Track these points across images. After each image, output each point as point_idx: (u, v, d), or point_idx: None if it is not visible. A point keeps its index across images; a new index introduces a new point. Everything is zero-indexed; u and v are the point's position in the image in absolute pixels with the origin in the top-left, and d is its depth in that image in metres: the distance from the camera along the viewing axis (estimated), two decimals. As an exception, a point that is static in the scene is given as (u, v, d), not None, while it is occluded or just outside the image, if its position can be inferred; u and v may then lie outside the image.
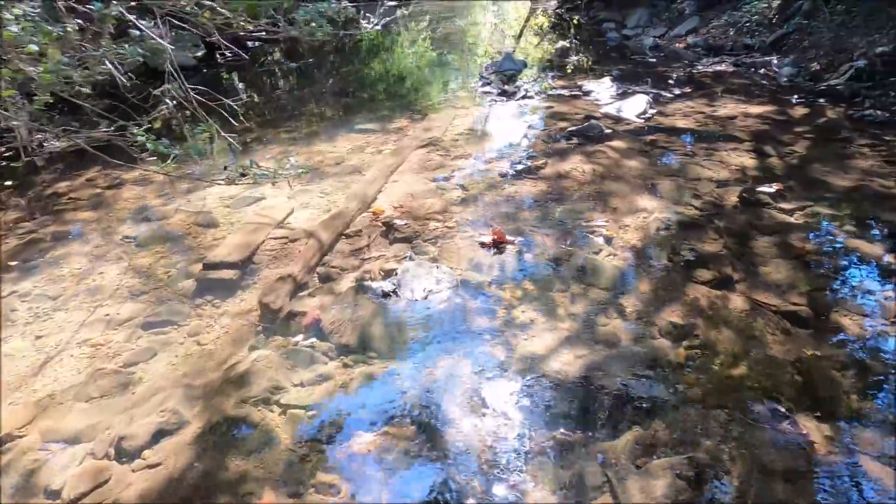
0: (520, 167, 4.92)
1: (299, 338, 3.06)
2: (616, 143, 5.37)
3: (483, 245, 3.73)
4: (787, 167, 4.72)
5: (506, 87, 7.31)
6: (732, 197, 4.24)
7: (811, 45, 7.36)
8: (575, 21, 13.08)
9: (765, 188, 4.30)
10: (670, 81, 7.43)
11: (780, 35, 7.84)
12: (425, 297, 3.21)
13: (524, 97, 6.93)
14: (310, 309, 3.21)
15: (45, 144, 6.20)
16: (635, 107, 6.14)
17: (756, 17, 8.05)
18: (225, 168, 3.47)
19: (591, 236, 3.82)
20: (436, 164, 5.15)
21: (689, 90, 6.95)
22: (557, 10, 14.51)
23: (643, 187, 4.47)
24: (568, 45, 10.69)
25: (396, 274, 3.41)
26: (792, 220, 3.90)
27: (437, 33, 13.13)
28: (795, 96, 6.41)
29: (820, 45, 7.23)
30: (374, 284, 3.33)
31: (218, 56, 10.79)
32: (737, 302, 3.12)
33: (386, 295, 3.23)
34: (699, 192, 4.34)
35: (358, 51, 11.81)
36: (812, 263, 3.40)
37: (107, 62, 3.15)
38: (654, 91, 6.92)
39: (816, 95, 6.34)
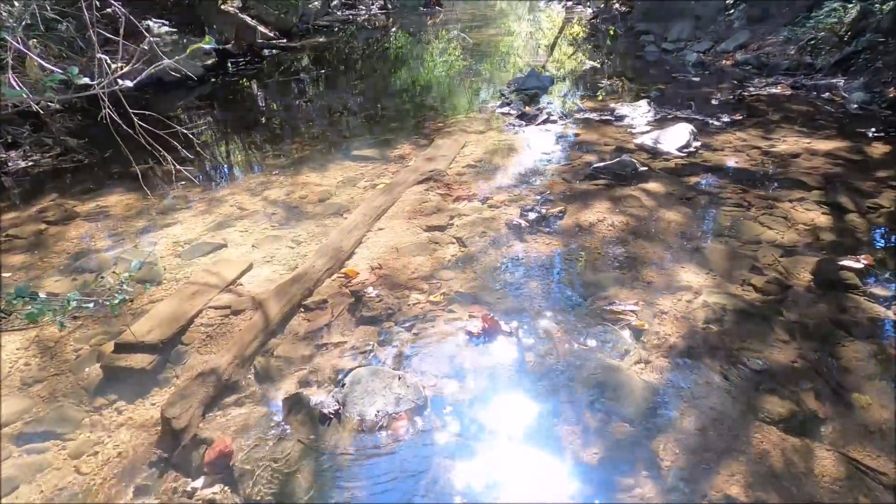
0: (532, 215, 3.94)
1: (199, 482, 2.16)
2: (652, 186, 4.34)
3: (470, 334, 2.77)
4: (872, 229, 3.63)
5: (527, 108, 6.32)
6: (805, 273, 3.18)
7: (886, 66, 6.16)
8: (611, 32, 12.00)
9: (849, 262, 3.23)
10: (717, 106, 6.33)
11: (847, 53, 6.65)
12: (377, 426, 2.27)
13: (546, 121, 5.93)
14: (221, 436, 2.31)
15: (10, 164, 5.48)
16: (676, 138, 5.08)
17: (823, 32, 6.85)
18: None
19: (614, 327, 2.83)
20: (432, 206, 4.21)
21: (740, 117, 5.84)
22: (593, 20, 13.42)
23: (685, 252, 3.45)
24: (601, 60, 9.62)
25: (345, 384, 2.48)
26: (890, 314, 2.83)
27: (466, 42, 12.19)
28: (872, 129, 5.25)
29: (897, 66, 6.03)
30: (315, 399, 2.41)
31: (230, 65, 10.06)
32: (826, 461, 2.09)
33: (325, 419, 2.31)
34: (760, 263, 3.29)
35: (382, 60, 10.97)
36: (930, 393, 2.34)
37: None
38: (698, 117, 5.84)
39: (897, 128, 5.18)
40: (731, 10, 8.98)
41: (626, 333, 2.78)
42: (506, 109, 6.43)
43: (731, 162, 4.72)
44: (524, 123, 5.92)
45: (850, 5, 6.63)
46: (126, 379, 2.72)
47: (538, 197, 4.25)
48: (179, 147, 3.38)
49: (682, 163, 4.76)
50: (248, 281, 3.44)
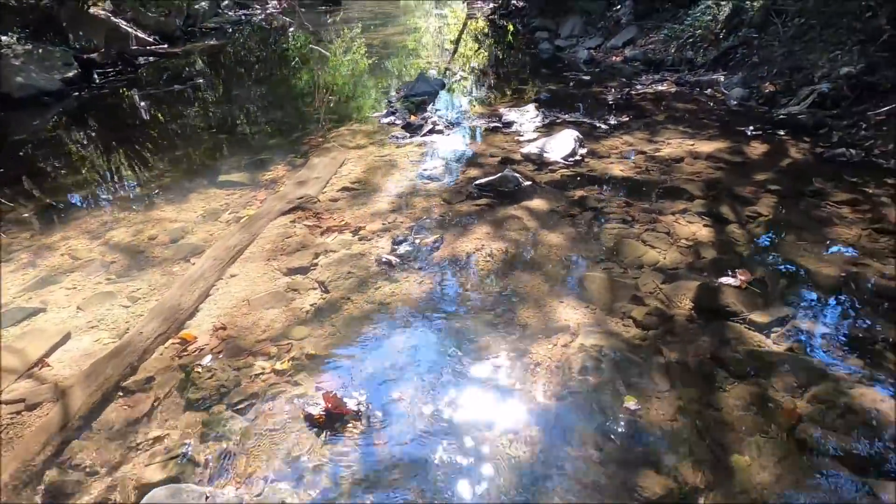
0: (406, 248, 3.52)
1: None
2: (535, 204, 4.03)
3: (310, 419, 2.31)
4: (751, 240, 3.47)
5: (412, 118, 5.88)
6: (686, 300, 2.93)
7: (762, 61, 6.19)
8: (510, 28, 11.77)
9: (728, 279, 3.03)
10: (606, 106, 6.15)
11: (724, 49, 6.65)
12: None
13: (432, 132, 5.53)
14: None
15: None
16: (562, 146, 4.81)
17: (700, 30, 6.83)
18: None
19: (481, 389, 2.45)
20: (297, 242, 3.70)
21: (628, 118, 5.68)
22: (492, 17, 13.17)
23: (565, 283, 3.14)
24: (494, 59, 9.34)
25: (144, 510, 1.96)
26: (770, 344, 2.62)
27: (365, 42, 11.62)
28: (750, 127, 5.20)
29: (772, 60, 6.06)
30: (101, 537, 1.88)
31: (97, 76, 9.01)
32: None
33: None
34: (641, 291, 3.03)
35: (277, 64, 10.19)
36: (815, 449, 2.10)
37: None
38: (586, 120, 5.62)
39: (775, 125, 5.15)
40: (618, 6, 8.92)
41: (494, 396, 2.41)
42: (391, 119, 5.97)
43: (617, 171, 4.50)
44: (408, 135, 5.49)
45: (724, 3, 6.63)
46: None
47: (413, 224, 3.83)
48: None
49: (568, 174, 4.48)
50: (60, 357, 2.82)
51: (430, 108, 6.39)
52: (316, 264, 3.46)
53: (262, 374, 2.60)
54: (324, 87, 7.73)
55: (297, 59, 7.11)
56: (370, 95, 7.46)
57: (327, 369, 2.60)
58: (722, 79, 6.38)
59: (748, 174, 4.30)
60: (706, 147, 4.84)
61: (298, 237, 3.77)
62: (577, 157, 4.73)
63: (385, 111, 6.29)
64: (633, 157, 4.71)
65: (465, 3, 17.21)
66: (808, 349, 2.57)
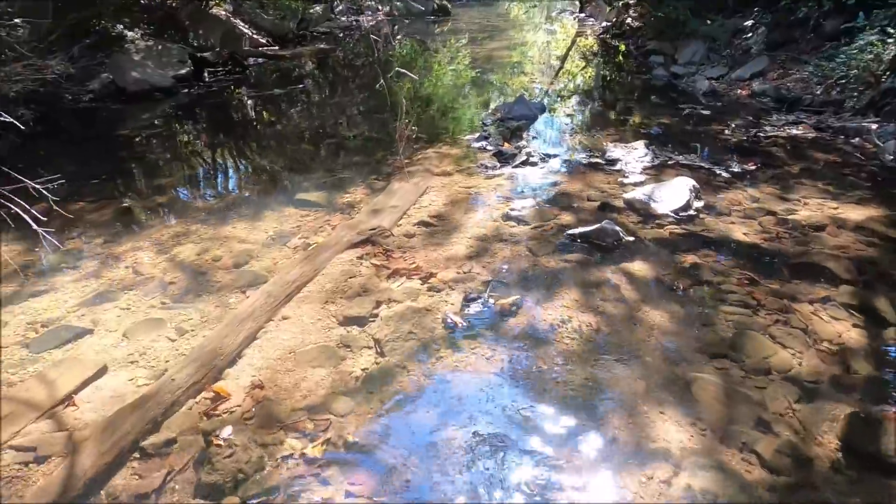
0: (478, 308, 3.03)
1: None
2: (637, 267, 3.39)
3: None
4: (922, 355, 2.65)
5: (505, 145, 5.37)
6: (831, 435, 2.22)
7: (929, 110, 5.11)
8: (622, 48, 10.98)
9: (890, 408, 2.27)
10: (727, 149, 5.34)
11: (883, 90, 5.60)
12: None
13: (525, 163, 4.98)
14: None
15: None
16: (674, 196, 4.11)
17: (856, 70, 5.79)
18: None
19: (551, 529, 1.89)
20: (359, 285, 3.30)
21: (754, 166, 4.85)
22: (603, 35, 12.40)
23: (668, 385, 2.50)
24: (601, 82, 8.63)
25: None
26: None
27: (472, 54, 11.27)
28: (913, 192, 4.24)
29: (943, 111, 4.98)
30: None
31: (207, 75, 9.22)
32: None
33: None
34: (768, 410, 2.34)
35: (375, 72, 10.05)
36: None
37: None
38: (704, 165, 4.86)
39: (946, 194, 4.16)
40: (749, 34, 7.93)
41: (565, 545, 1.84)
42: (482, 144, 5.49)
43: (739, 233, 3.75)
44: (499, 165, 4.98)
45: (891, 40, 5.57)
46: None
47: (491, 278, 3.32)
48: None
49: (678, 232, 3.79)
50: (89, 396, 2.56)
51: (525, 134, 5.85)
52: (376, 315, 3.03)
53: (290, 457, 2.19)
54: (417, 103, 7.39)
55: (396, 69, 6.81)
56: (465, 114, 7.03)
57: (365, 466, 2.14)
58: (874, 126, 5.35)
59: (913, 257, 3.43)
60: (855, 213, 3.96)
61: (362, 278, 3.37)
62: (692, 212, 4.02)
63: (478, 134, 5.82)
64: (759, 218, 3.93)
65: (576, 20, 16.48)
66: None
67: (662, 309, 3.00)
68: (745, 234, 3.75)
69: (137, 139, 6.35)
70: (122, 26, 8.86)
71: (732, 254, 3.53)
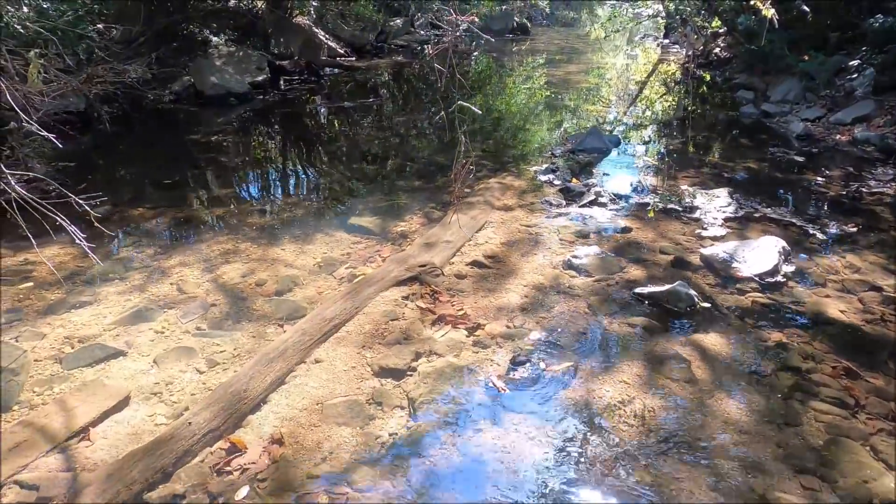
0: (525, 373, 2.71)
1: None
2: (711, 341, 2.98)
3: None
4: None
5: (573, 181, 5.02)
6: None
7: None
8: (707, 79, 10.36)
9: None
10: (824, 204, 4.78)
11: None
12: None
13: (594, 203, 4.62)
14: None
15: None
16: (760, 257, 3.65)
17: None
18: None
19: None
20: (400, 330, 3.06)
21: (854, 229, 4.28)
22: (687, 65, 11.77)
23: (742, 499, 2.10)
24: (682, 115, 8.09)
25: None
26: None
27: (548, 75, 10.98)
28: None
29: None
30: None
31: (282, 82, 9.35)
32: None
33: None
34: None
35: (446, 90, 9.93)
36: None
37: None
38: (794, 221, 4.34)
39: None
40: (855, 74, 7.21)
41: None
42: (549, 177, 5.17)
43: (835, 310, 3.25)
44: (564, 203, 4.64)
45: None
46: None
47: (543, 336, 3.00)
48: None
49: (763, 301, 3.33)
50: (105, 430, 2.43)
51: (596, 170, 5.47)
52: (414, 369, 2.77)
53: (300, 536, 1.95)
54: (486, 124, 7.14)
55: (459, 102, 6.61)
56: (534, 139, 6.72)
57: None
58: None
59: None
60: (980, 298, 3.37)
61: (405, 321, 3.13)
62: (780, 278, 3.54)
63: (545, 165, 5.50)
64: (860, 293, 3.41)
65: (659, 46, 15.84)
66: None
67: (739, 398, 2.59)
68: (842, 311, 3.25)
69: (206, 144, 6.43)
70: (208, 31, 9.13)
71: (827, 335, 3.04)
